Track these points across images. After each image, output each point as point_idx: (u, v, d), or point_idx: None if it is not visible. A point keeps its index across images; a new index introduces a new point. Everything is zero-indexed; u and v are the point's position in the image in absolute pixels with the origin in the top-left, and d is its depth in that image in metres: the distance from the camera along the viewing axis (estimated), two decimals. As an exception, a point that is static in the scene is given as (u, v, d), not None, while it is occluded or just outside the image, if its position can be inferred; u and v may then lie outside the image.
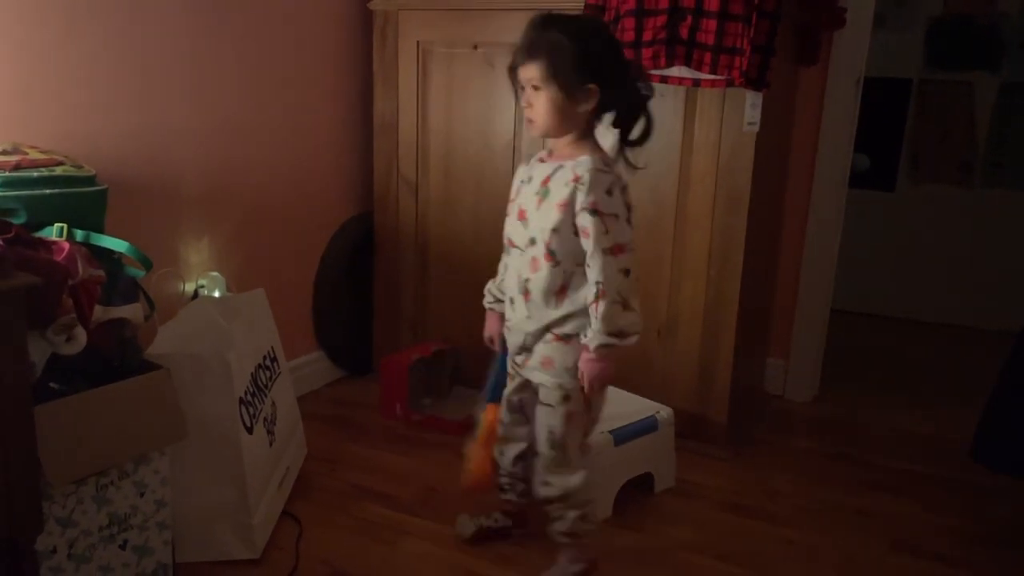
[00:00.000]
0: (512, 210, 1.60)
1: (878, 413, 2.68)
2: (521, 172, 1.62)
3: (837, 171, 2.59)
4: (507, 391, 1.69)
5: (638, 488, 2.01)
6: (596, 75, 1.44)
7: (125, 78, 1.93)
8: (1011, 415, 2.31)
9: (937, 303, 3.71)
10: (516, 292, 1.58)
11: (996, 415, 2.35)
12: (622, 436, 1.93)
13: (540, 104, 1.46)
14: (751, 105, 2.04)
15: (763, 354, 2.74)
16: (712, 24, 1.95)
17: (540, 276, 1.52)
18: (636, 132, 1.52)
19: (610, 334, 1.47)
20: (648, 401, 2.11)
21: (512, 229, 1.59)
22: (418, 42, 2.45)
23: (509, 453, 1.73)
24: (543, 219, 1.50)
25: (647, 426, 2.01)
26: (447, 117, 2.47)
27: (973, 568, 1.80)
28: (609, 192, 1.46)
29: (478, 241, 2.50)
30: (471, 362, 2.59)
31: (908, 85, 3.64)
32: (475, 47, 2.37)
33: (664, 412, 2.07)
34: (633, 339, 1.50)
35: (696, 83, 2.04)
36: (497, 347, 1.71)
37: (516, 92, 1.54)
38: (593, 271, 1.47)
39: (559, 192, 1.48)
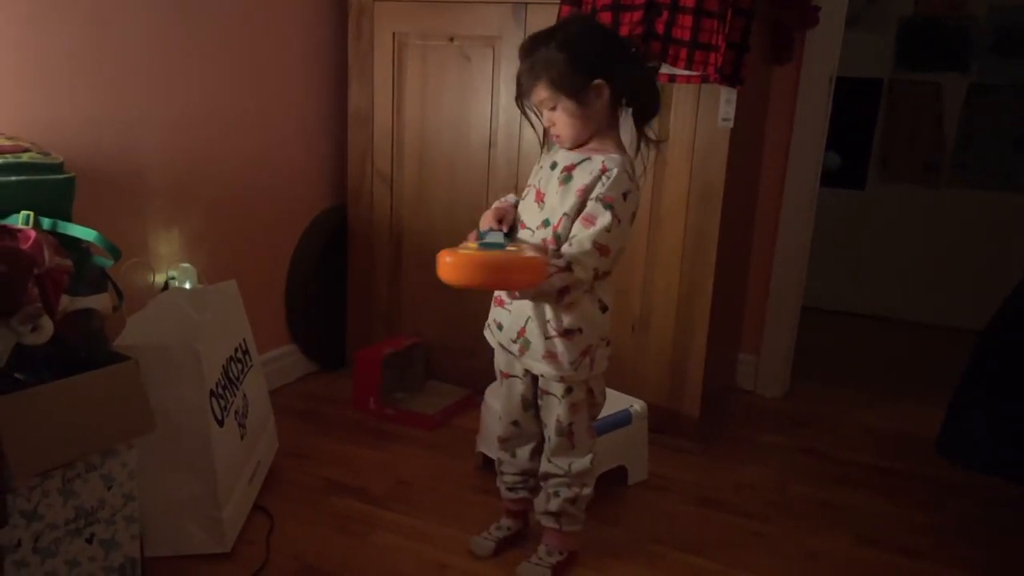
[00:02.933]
0: (528, 193, 1.61)
1: (847, 409, 2.71)
2: (543, 158, 1.63)
3: (809, 169, 2.62)
4: (516, 389, 1.67)
5: (611, 481, 2.01)
6: (597, 70, 1.47)
7: (93, 65, 1.90)
8: (973, 412, 2.37)
9: (905, 301, 3.76)
10: None
11: (959, 412, 2.41)
12: (596, 429, 1.93)
13: (560, 120, 1.50)
14: (726, 101, 2.05)
15: (735, 350, 2.77)
16: (688, 20, 1.96)
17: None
18: (648, 106, 1.54)
19: (573, 266, 1.44)
20: (622, 395, 2.11)
21: (526, 210, 1.59)
22: (394, 34, 2.43)
23: (524, 451, 1.72)
24: (560, 203, 1.52)
25: (621, 420, 2.02)
26: (422, 110, 2.46)
27: (937, 562, 1.83)
28: (625, 196, 1.48)
29: (453, 235, 2.46)
30: (444, 357, 2.58)
31: (879, 85, 3.69)
32: (451, 39, 2.36)
33: (638, 406, 2.08)
34: (578, 279, 1.46)
35: (672, 79, 2.05)
36: (494, 224, 1.57)
37: (529, 118, 1.58)
38: (572, 248, 1.46)
39: (582, 179, 1.50)
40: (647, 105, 1.54)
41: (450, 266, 1.41)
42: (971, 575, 1.78)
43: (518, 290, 1.50)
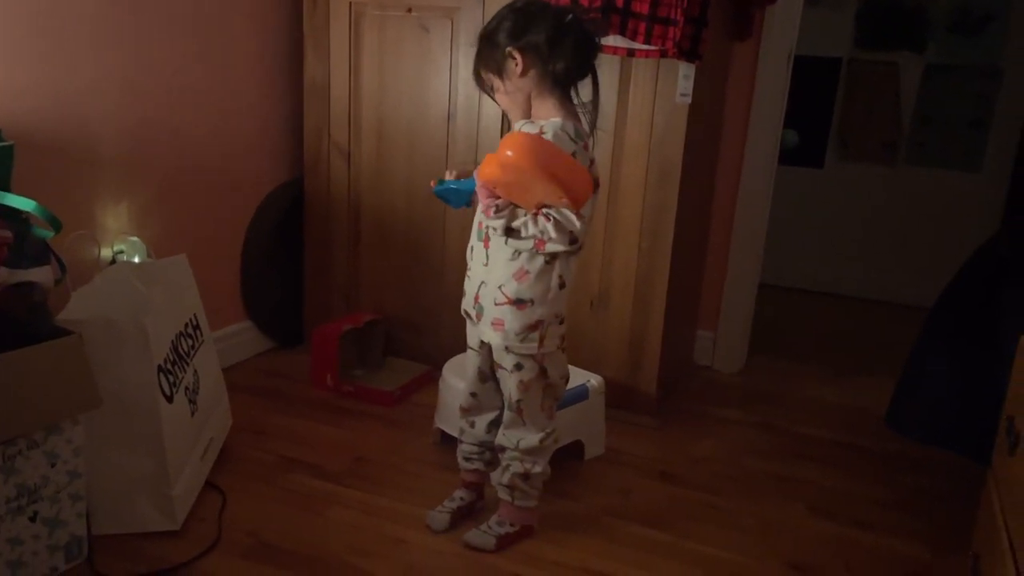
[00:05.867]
0: None
1: (802, 384, 2.75)
2: None
3: (768, 147, 2.63)
4: (473, 360, 1.69)
5: (568, 455, 2.02)
6: (510, 37, 1.50)
7: (37, 31, 1.83)
8: (921, 385, 2.41)
9: (860, 278, 3.82)
10: (476, 240, 1.61)
11: (908, 384, 2.46)
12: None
13: (498, 97, 1.57)
14: (684, 77, 2.05)
15: (693, 326, 2.79)
16: (647, -7, 1.95)
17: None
18: (566, 61, 1.50)
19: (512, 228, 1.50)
20: (579, 370, 2.12)
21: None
22: (351, 3, 2.38)
23: (482, 422, 1.73)
24: None
25: (578, 394, 2.02)
26: (380, 82, 2.42)
27: (887, 532, 1.87)
28: (573, 156, 1.48)
29: (411, 210, 2.46)
30: (404, 333, 2.56)
31: (838, 64, 3.71)
32: (409, 10, 2.32)
33: (595, 381, 2.09)
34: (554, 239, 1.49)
35: (631, 53, 2.04)
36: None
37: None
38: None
39: None
40: (567, 66, 1.50)
41: (518, 145, 1.42)
42: (920, 546, 1.82)
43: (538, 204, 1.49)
